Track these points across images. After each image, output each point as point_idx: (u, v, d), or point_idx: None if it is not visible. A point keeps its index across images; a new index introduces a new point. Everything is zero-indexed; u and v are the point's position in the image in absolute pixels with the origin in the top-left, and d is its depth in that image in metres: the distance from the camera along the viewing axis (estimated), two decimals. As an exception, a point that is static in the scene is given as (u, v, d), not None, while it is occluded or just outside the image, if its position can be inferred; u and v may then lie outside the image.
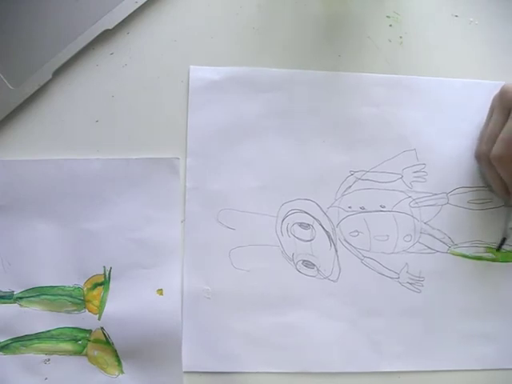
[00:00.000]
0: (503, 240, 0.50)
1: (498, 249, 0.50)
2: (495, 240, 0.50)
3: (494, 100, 0.49)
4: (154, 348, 0.47)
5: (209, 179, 0.49)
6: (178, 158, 0.49)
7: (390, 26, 0.51)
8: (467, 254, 0.50)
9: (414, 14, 0.51)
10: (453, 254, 0.49)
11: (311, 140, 0.50)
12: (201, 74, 0.50)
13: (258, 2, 0.51)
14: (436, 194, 0.50)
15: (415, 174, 0.50)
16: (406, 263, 0.49)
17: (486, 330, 0.49)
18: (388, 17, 0.51)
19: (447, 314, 0.49)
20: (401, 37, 0.51)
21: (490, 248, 0.50)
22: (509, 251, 0.50)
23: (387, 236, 0.49)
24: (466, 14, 0.52)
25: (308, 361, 0.48)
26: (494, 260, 0.50)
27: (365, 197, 0.49)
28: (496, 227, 0.50)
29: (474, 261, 0.50)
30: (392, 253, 0.49)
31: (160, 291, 0.47)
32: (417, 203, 0.50)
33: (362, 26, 0.51)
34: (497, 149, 0.46)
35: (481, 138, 0.49)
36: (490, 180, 0.49)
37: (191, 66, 0.50)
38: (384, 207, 0.49)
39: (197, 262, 0.48)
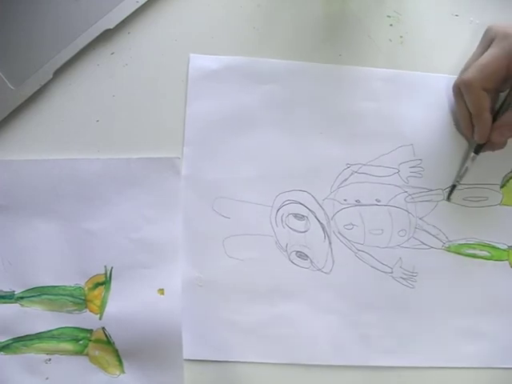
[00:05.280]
0: (453, 187, 0.49)
1: (449, 198, 0.49)
2: (490, 238, 0.50)
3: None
4: (154, 348, 0.47)
5: (205, 168, 0.49)
6: (179, 158, 0.49)
7: (391, 25, 0.51)
8: (461, 251, 0.50)
9: (415, 14, 0.51)
10: (447, 251, 0.50)
11: (309, 132, 0.50)
12: (201, 62, 0.50)
13: (259, 1, 0.51)
14: (432, 190, 0.50)
15: (412, 169, 0.50)
16: (400, 258, 0.49)
17: (478, 328, 0.49)
18: (389, 16, 0.51)
19: (440, 310, 0.49)
20: (401, 36, 0.51)
21: (484, 245, 0.50)
22: (503, 250, 0.50)
23: (382, 230, 0.49)
24: (466, 13, 0.52)
25: (298, 352, 0.48)
26: (488, 258, 0.50)
27: (360, 190, 0.49)
28: (491, 225, 0.50)
29: (468, 258, 0.50)
30: (386, 247, 0.49)
31: (161, 291, 0.47)
32: (412, 198, 0.50)
33: (363, 25, 0.51)
34: (467, 74, 0.46)
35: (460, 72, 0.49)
36: (458, 113, 0.49)
37: (191, 54, 0.50)
38: (379, 201, 0.50)
39: (190, 249, 0.48)
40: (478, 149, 0.48)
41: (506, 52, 0.45)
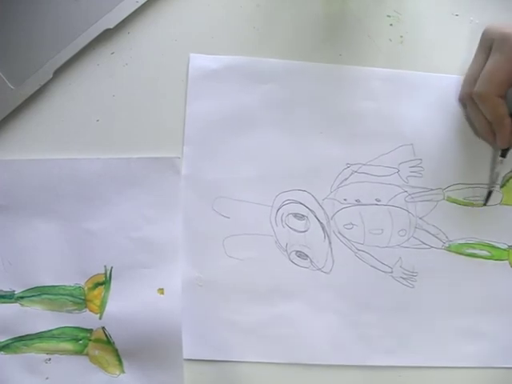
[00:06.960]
0: (489, 193, 0.50)
1: (485, 203, 0.50)
2: (490, 237, 0.50)
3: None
4: (154, 347, 0.47)
5: (205, 167, 0.49)
6: (179, 158, 0.49)
7: (391, 25, 0.51)
8: (461, 250, 0.50)
9: (415, 14, 0.51)
10: (447, 251, 0.50)
11: (309, 131, 0.50)
12: (201, 61, 0.50)
13: (258, 1, 0.51)
14: (432, 190, 0.50)
15: (412, 169, 0.50)
16: (400, 258, 0.49)
17: (478, 328, 0.49)
18: (388, 16, 0.51)
19: (440, 310, 0.49)
20: (401, 36, 0.51)
21: (485, 245, 0.50)
22: (503, 249, 0.50)
23: (382, 230, 0.49)
24: (466, 13, 0.52)
25: (298, 352, 0.48)
26: (488, 258, 0.50)
27: (360, 190, 0.49)
28: (491, 225, 0.50)
29: (468, 258, 0.50)
30: (386, 247, 0.49)
31: (161, 290, 0.48)
32: (412, 198, 0.50)
33: (363, 25, 0.51)
34: (479, 86, 0.46)
35: (464, 81, 0.49)
36: (476, 122, 0.49)
37: (191, 54, 0.50)
38: (379, 201, 0.50)
39: (190, 248, 0.48)
40: (505, 152, 0.49)
41: (508, 55, 0.45)
